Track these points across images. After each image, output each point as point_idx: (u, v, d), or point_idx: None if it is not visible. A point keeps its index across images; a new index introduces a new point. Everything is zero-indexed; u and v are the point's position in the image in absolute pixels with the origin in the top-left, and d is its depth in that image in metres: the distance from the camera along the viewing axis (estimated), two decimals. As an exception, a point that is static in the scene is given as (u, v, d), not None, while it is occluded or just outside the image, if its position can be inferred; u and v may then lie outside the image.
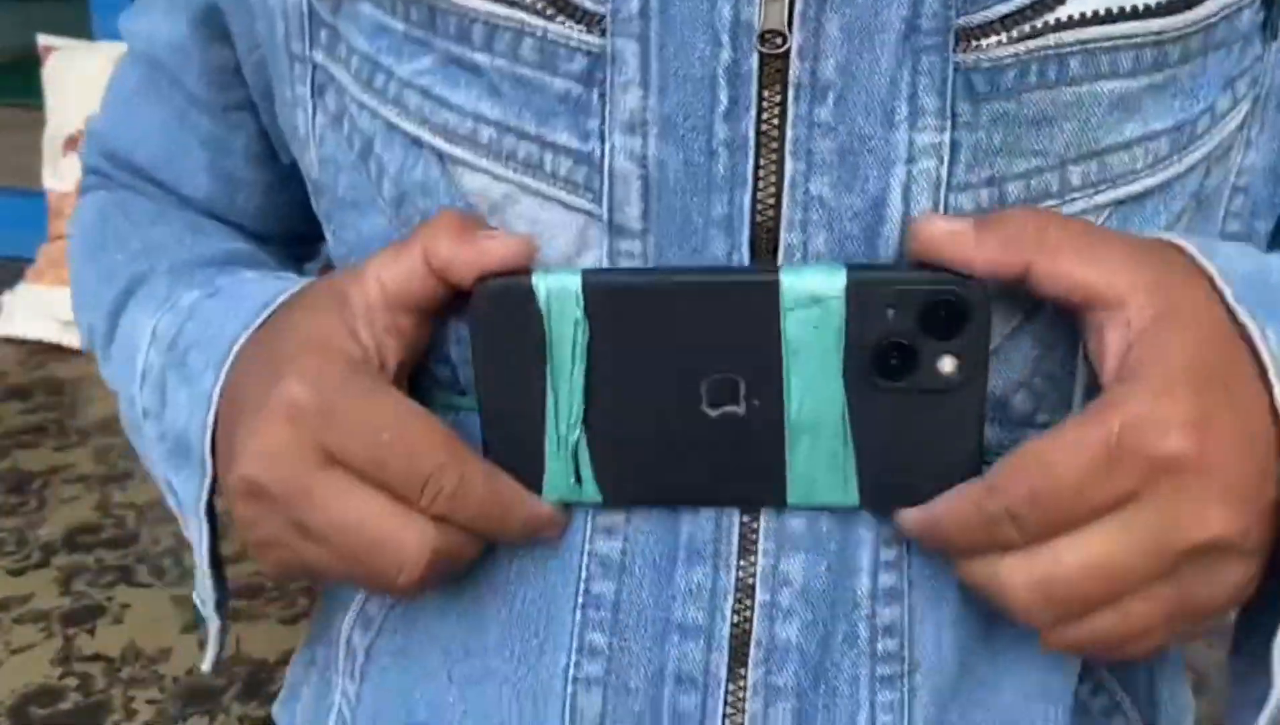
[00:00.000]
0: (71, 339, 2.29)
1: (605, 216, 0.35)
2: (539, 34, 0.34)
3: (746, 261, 0.35)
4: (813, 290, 0.33)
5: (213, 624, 0.44)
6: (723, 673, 0.38)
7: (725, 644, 0.38)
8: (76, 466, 1.86)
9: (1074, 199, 0.35)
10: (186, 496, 0.41)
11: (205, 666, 0.45)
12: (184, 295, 0.43)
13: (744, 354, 0.35)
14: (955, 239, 0.33)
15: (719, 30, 0.33)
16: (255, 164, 0.51)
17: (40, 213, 2.39)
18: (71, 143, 2.35)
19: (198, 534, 0.41)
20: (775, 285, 0.34)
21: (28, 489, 1.79)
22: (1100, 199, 0.35)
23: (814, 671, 0.38)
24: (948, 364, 0.34)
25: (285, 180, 0.51)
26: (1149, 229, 0.36)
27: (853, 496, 0.36)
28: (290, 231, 0.54)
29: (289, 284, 0.41)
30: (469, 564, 0.39)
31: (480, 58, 0.35)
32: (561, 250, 0.36)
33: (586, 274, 0.35)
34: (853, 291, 0.33)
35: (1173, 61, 0.34)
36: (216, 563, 0.43)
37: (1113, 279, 0.32)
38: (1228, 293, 0.33)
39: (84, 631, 1.48)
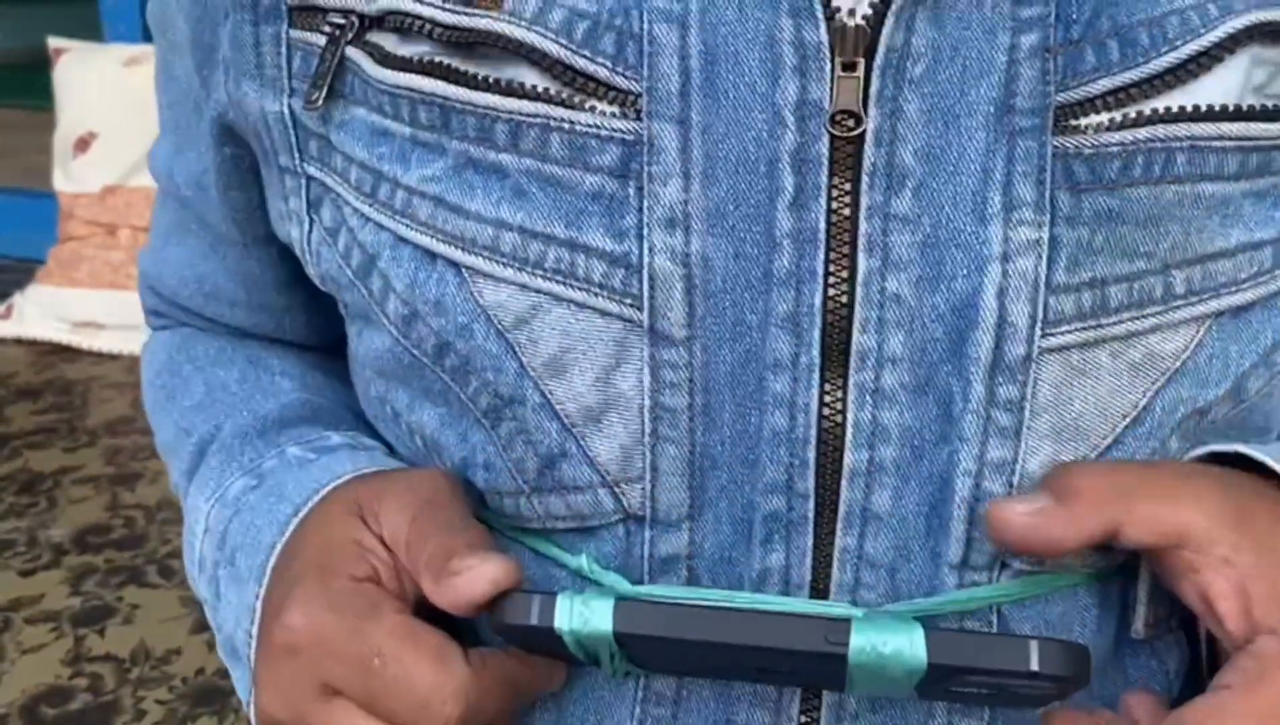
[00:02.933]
0: (81, 340, 2.30)
1: (645, 323, 0.32)
2: (567, 127, 0.31)
3: (817, 362, 0.32)
4: (887, 671, 0.30)
5: None
6: None
7: None
8: (86, 467, 1.86)
9: (1177, 306, 0.32)
10: (242, 693, 0.40)
11: None
12: (232, 484, 0.42)
13: (802, 669, 0.32)
14: (1043, 526, 0.31)
15: (782, 110, 0.30)
16: (290, 288, 0.48)
17: (51, 214, 2.40)
18: (82, 145, 2.36)
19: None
20: (843, 658, 0.30)
21: (38, 489, 1.80)
22: (1203, 308, 0.32)
23: None
24: (1024, 689, 0.31)
25: (322, 294, 0.49)
26: (1254, 346, 0.34)
27: (914, 699, 0.34)
28: (342, 336, 0.52)
29: (324, 476, 0.39)
30: None
31: (505, 158, 0.32)
32: (599, 362, 0.33)
33: (619, 615, 0.31)
34: (932, 673, 0.30)
35: (1275, 169, 0.32)
36: None
37: (1194, 516, 0.31)
38: None
39: (94, 632, 1.48)
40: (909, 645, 0.30)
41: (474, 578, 0.32)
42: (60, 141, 2.38)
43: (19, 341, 2.32)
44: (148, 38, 2.61)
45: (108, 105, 2.32)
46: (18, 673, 1.40)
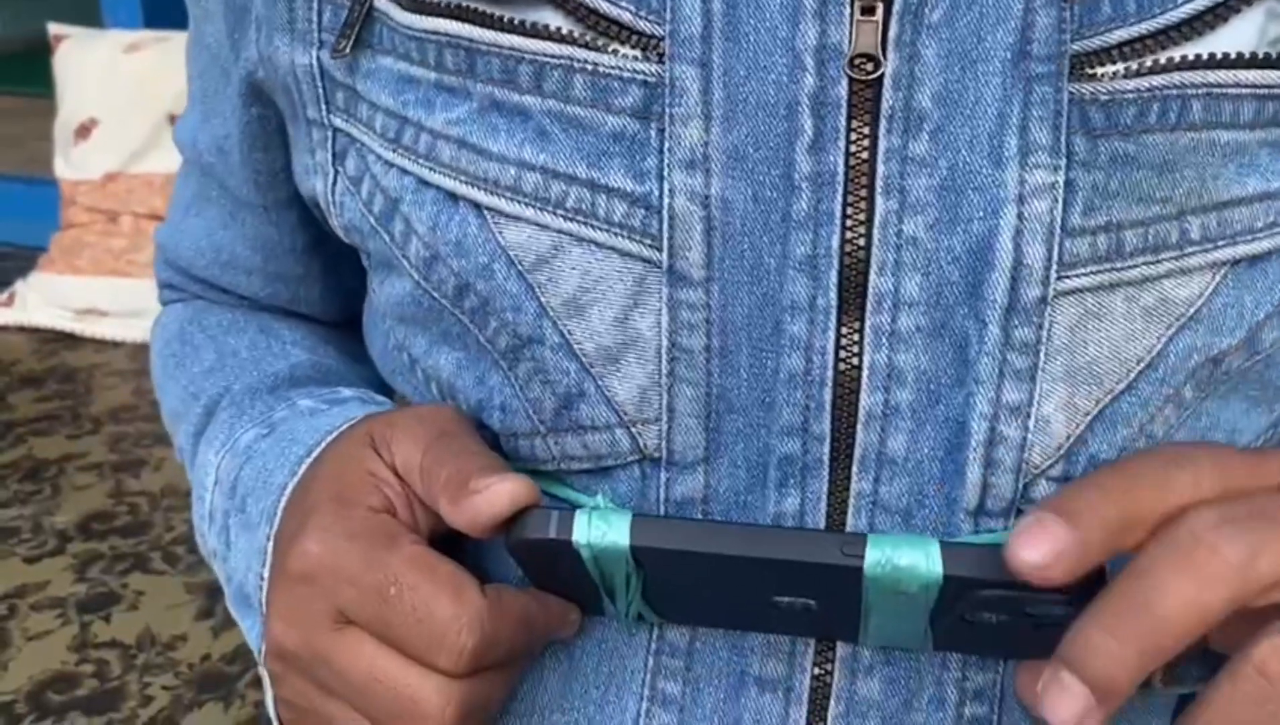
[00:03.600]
0: (84, 327, 2.30)
1: (665, 263, 0.32)
2: (590, 69, 0.32)
3: (834, 304, 0.32)
4: (902, 587, 0.30)
5: None
6: None
7: (805, 697, 0.36)
8: (90, 454, 1.87)
9: (1192, 252, 0.32)
10: (253, 642, 0.40)
11: None
12: (243, 434, 0.42)
13: (817, 595, 0.32)
14: (1060, 561, 0.28)
15: (801, 53, 0.31)
16: (308, 256, 0.49)
17: (52, 201, 2.40)
18: (83, 131, 2.35)
19: (265, 683, 0.39)
20: (857, 572, 0.30)
21: (42, 477, 1.80)
22: (1218, 255, 0.32)
23: None
24: (1040, 609, 0.31)
25: (339, 264, 0.49)
26: (1270, 296, 0.33)
27: (929, 648, 0.35)
28: (355, 313, 0.51)
29: (336, 420, 0.40)
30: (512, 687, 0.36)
31: (529, 100, 0.33)
32: (617, 302, 0.33)
33: (636, 528, 0.31)
34: (949, 585, 0.30)
35: None
36: None
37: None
38: None
39: (99, 618, 1.48)
40: (924, 558, 0.30)
41: (492, 495, 0.32)
42: (61, 128, 2.38)
43: (21, 329, 2.33)
44: (148, 24, 2.62)
45: (108, 92, 2.32)
46: (24, 659, 1.41)
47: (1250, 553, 0.27)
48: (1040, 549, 0.28)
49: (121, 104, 2.31)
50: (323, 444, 0.38)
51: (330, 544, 0.33)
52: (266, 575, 0.37)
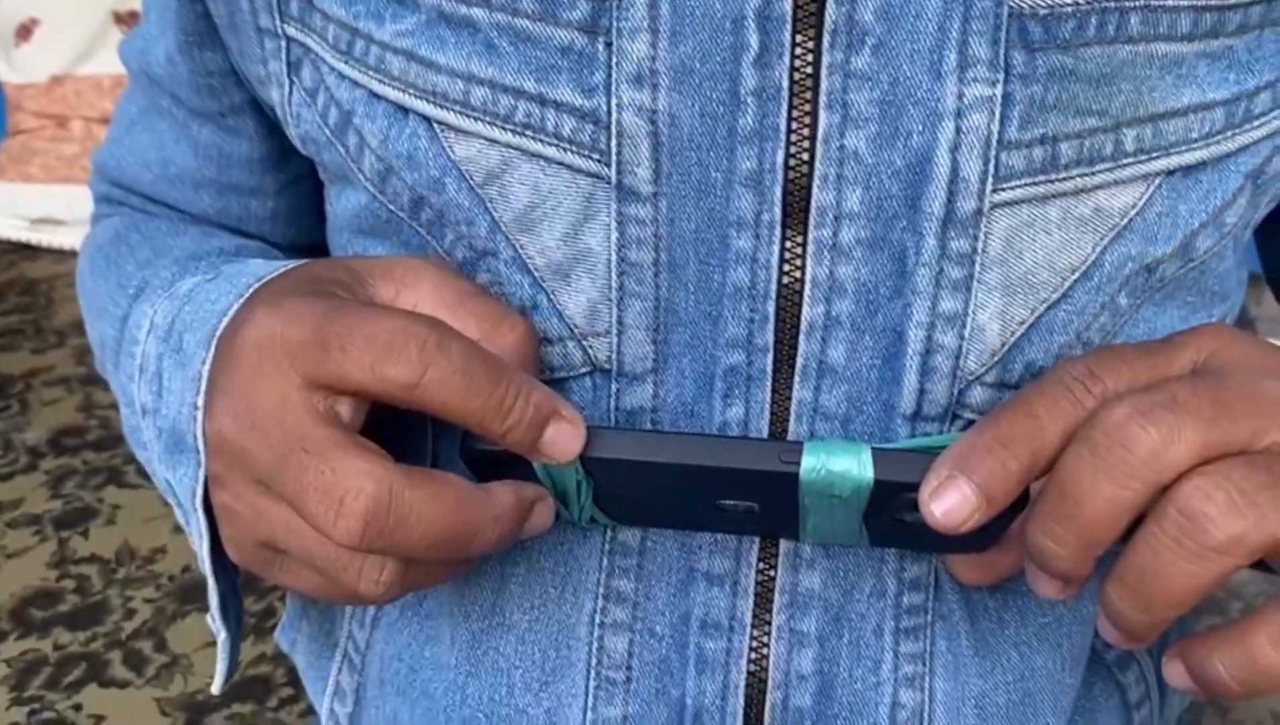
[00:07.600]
0: (41, 237, 2.24)
1: (613, 179, 0.33)
2: None
3: (778, 219, 0.33)
4: (835, 490, 0.32)
5: (220, 635, 0.39)
6: (748, 618, 0.38)
7: (751, 591, 0.37)
8: (56, 368, 1.84)
9: (1127, 164, 0.33)
10: (183, 493, 0.36)
11: (215, 688, 0.40)
12: (185, 282, 0.39)
13: (758, 499, 0.33)
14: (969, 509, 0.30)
15: None
16: (263, 169, 0.47)
17: (-2, 105, 2.31)
18: (24, 31, 2.25)
19: (198, 534, 0.36)
20: (794, 477, 0.32)
21: (9, 392, 1.77)
22: (1152, 166, 0.33)
23: (836, 619, 0.38)
24: None
25: (298, 181, 0.48)
26: (1204, 205, 0.34)
27: (865, 544, 0.36)
28: (311, 239, 0.50)
29: (298, 261, 0.37)
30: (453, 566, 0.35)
31: (477, 12, 0.32)
32: (567, 217, 0.34)
33: (586, 439, 0.32)
34: (879, 488, 0.32)
35: (1229, 30, 0.32)
36: (226, 566, 0.38)
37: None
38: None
39: (77, 534, 1.48)
40: (856, 463, 0.32)
41: (574, 428, 0.32)
42: (0, 29, 2.27)
43: (-25, 240, 2.26)
44: (86, -84, 2.45)
45: (48, -12, 2.21)
46: (4, 577, 1.40)
47: (1161, 444, 0.28)
48: (945, 504, 0.30)
49: (63, 1, 2.21)
50: (279, 270, 0.36)
51: (292, 313, 0.31)
52: (201, 403, 0.34)
